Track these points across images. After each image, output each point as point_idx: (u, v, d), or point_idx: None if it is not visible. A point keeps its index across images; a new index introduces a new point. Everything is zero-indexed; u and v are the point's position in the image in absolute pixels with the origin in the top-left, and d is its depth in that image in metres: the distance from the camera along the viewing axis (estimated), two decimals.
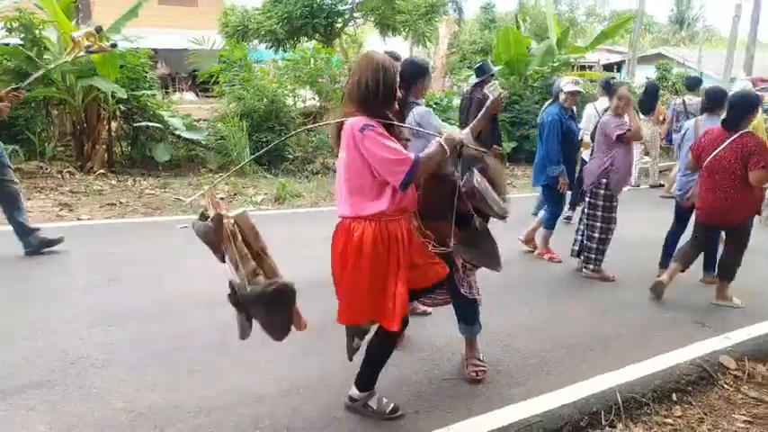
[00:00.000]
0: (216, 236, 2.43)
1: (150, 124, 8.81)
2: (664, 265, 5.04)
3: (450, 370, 3.35)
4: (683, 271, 4.70)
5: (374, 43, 22.54)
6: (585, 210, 5.16)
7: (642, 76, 17.38)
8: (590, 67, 18.69)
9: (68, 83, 8.52)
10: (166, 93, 20.19)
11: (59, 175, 8.20)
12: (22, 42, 8.28)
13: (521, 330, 3.96)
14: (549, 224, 5.67)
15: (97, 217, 6.54)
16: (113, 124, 9.21)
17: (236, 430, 2.73)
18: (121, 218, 6.58)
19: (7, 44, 8.47)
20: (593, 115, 7.01)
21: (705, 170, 4.49)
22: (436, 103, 11.39)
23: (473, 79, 7.34)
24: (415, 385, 3.17)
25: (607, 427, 2.91)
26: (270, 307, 2.51)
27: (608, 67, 22.89)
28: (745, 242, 4.54)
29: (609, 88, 6.91)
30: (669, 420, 3.02)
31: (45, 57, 8.52)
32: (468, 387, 3.17)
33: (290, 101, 10.31)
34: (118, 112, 9.16)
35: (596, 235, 5.04)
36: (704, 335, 3.96)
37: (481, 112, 3.29)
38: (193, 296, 4.26)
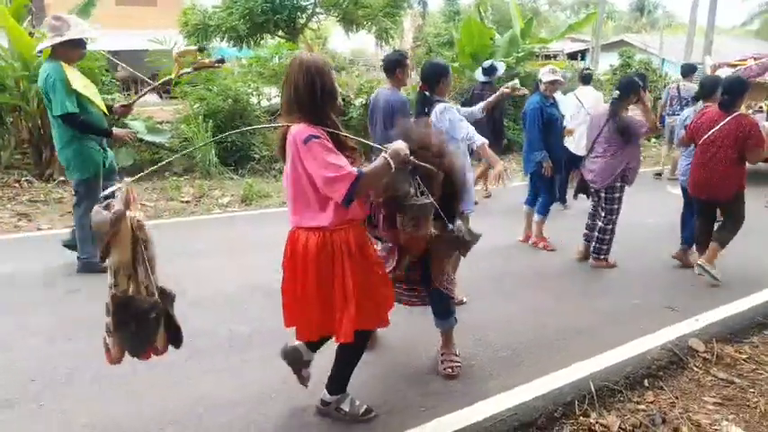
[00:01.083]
0: (109, 230, 2.13)
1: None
2: (686, 242, 5.31)
3: (423, 367, 3.31)
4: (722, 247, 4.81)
5: (339, 38, 22.46)
6: (602, 204, 5.16)
7: (606, 63, 17.61)
8: (554, 56, 18.85)
9: (22, 88, 8.25)
10: (128, 95, 19.77)
11: (17, 184, 7.94)
12: None
13: (493, 323, 3.94)
14: (543, 210, 5.74)
15: (57, 226, 6.33)
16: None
17: None
18: None
19: None
20: (576, 105, 7.12)
21: (700, 147, 4.75)
22: None
23: (480, 76, 7.59)
24: (387, 383, 3.13)
25: (581, 417, 2.91)
26: (155, 324, 2.29)
27: (572, 56, 23.16)
28: (739, 217, 4.77)
29: (587, 78, 7.35)
30: (642, 406, 3.04)
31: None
32: (441, 383, 3.15)
33: (254, 99, 10.15)
34: None
35: (610, 227, 5.13)
36: (673, 319, 4.00)
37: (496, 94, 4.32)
38: None
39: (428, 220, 2.68)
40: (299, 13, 13.32)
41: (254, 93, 10.25)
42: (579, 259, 5.38)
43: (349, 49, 33.20)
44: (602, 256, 5.21)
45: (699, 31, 20.16)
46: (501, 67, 6.18)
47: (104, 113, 4.74)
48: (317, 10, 13.41)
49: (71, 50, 4.43)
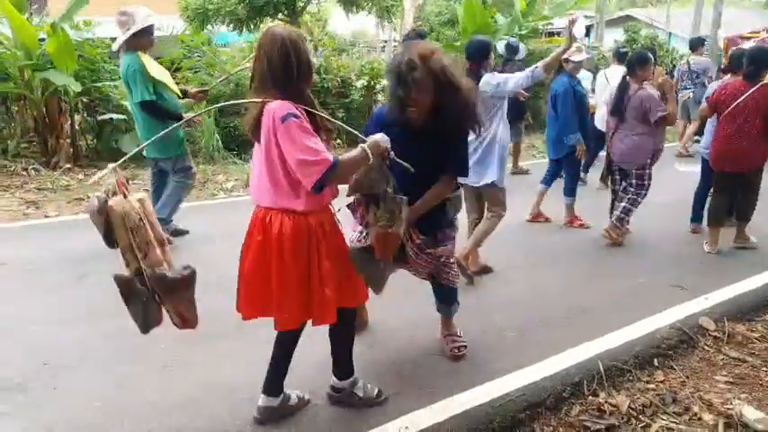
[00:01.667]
0: (97, 218, 2.15)
1: (114, 116, 8.54)
2: (695, 220, 5.43)
3: (429, 348, 3.31)
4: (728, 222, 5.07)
5: (339, 20, 22.20)
6: (633, 182, 5.14)
7: (611, 39, 17.38)
8: (558, 33, 18.58)
9: (26, 77, 8.22)
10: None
11: (25, 173, 7.93)
12: None
13: (500, 304, 3.93)
14: (572, 193, 5.75)
15: (65, 213, 6.35)
16: (77, 117, 8.93)
17: (212, 424, 2.66)
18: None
19: None
20: (604, 84, 7.02)
21: (724, 119, 4.75)
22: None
23: (502, 51, 7.44)
24: (395, 365, 3.13)
25: (590, 397, 2.91)
26: (184, 292, 2.38)
27: None
28: (758, 189, 4.90)
29: (622, 57, 7.14)
30: (651, 386, 3.02)
31: (0, 52, 8.22)
32: (448, 364, 3.14)
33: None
34: (80, 105, 8.87)
35: (640, 200, 5.17)
36: (683, 298, 3.98)
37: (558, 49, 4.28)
38: None
39: (402, 215, 2.53)
40: None
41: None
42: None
43: (349, 31, 32.90)
44: (621, 226, 5.20)
45: (707, 3, 19.82)
46: (522, 50, 6.09)
47: (178, 97, 5.03)
48: None
49: (141, 39, 4.71)
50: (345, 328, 2.69)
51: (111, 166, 2.18)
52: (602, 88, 7.04)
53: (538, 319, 3.71)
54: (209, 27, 13.00)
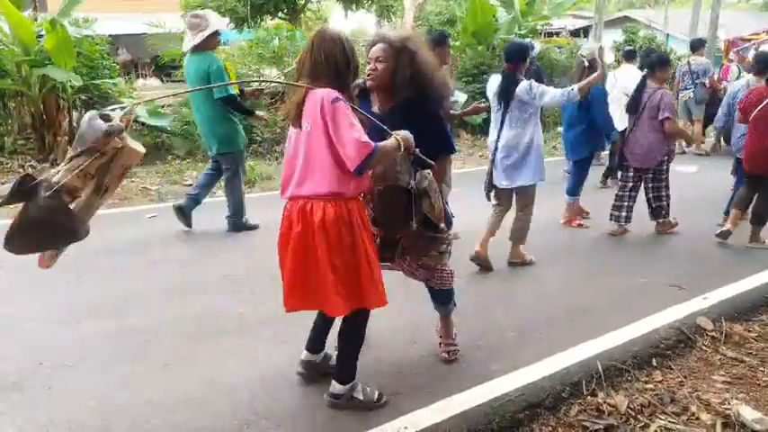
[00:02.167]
0: (93, 139, 2.03)
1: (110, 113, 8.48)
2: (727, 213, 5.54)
3: (428, 347, 3.30)
4: (743, 214, 5.22)
5: (339, 18, 22.22)
6: (651, 180, 5.35)
7: (609, 40, 17.39)
8: (557, 34, 18.61)
9: (23, 73, 8.20)
10: (130, 79, 19.70)
11: (21, 170, 7.90)
12: None
13: (499, 303, 3.94)
14: (576, 192, 5.77)
15: None
16: (75, 114, 8.90)
17: (213, 422, 2.65)
18: None
19: None
20: (612, 83, 7.12)
21: (751, 123, 4.94)
22: None
23: None
24: (393, 366, 3.12)
25: (588, 396, 2.91)
26: (50, 228, 2.11)
27: (574, 33, 22.83)
28: None
29: (630, 55, 7.39)
30: (650, 386, 3.03)
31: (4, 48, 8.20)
32: (447, 364, 3.14)
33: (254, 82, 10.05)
34: (78, 102, 8.85)
35: (664, 192, 5.37)
36: (681, 297, 3.98)
37: (592, 76, 4.34)
38: (163, 287, 4.16)
39: (437, 192, 2.69)
40: None
41: (255, 74, 10.15)
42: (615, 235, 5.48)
43: (349, 30, 32.94)
44: (663, 218, 5.43)
45: (705, 4, 19.85)
46: (537, 48, 6.16)
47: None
48: None
49: (212, 41, 5.02)
50: (358, 332, 2.73)
51: (130, 101, 2.20)
52: (610, 87, 7.06)
53: (538, 318, 3.71)
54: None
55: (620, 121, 6.46)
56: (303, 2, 13.18)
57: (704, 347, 3.44)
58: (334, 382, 2.75)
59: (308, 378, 2.95)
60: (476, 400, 2.77)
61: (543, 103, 4.26)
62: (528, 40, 6.75)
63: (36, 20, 8.10)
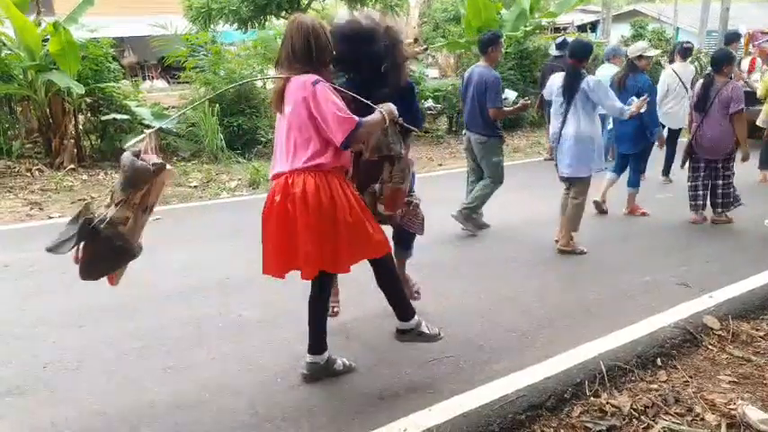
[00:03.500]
0: (143, 180, 2.35)
1: (117, 116, 8.55)
2: None
3: (430, 348, 3.26)
4: None
5: (344, 17, 22.17)
6: (721, 170, 5.51)
7: (618, 34, 17.25)
8: (564, 29, 18.48)
9: (30, 78, 8.25)
10: (136, 82, 19.79)
11: (29, 173, 7.97)
12: None
13: (501, 304, 3.91)
14: (637, 183, 5.97)
15: (68, 214, 6.32)
16: (81, 118, 8.96)
17: (214, 425, 2.65)
18: None
19: None
20: (667, 82, 7.15)
21: None
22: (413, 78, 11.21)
23: (553, 51, 8.49)
24: (393, 366, 3.10)
25: (591, 397, 2.87)
26: (112, 255, 2.49)
27: (582, 28, 22.68)
28: None
29: (687, 52, 7.45)
30: (654, 386, 2.99)
31: (4, 53, 8.25)
32: (448, 365, 3.12)
33: (259, 82, 10.07)
34: (84, 106, 8.90)
35: (731, 182, 5.55)
36: (687, 296, 3.93)
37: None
38: (166, 289, 4.16)
39: (410, 172, 3.10)
40: None
41: (262, 74, 10.15)
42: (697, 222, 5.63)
43: None
44: (726, 210, 5.59)
45: None
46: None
47: None
48: None
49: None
50: (386, 275, 2.90)
51: (147, 131, 2.45)
52: (668, 85, 7.11)
53: (541, 317, 3.68)
54: (212, 26, 12.98)
55: (685, 115, 6.75)
56: (306, 1, 13.13)
57: (710, 346, 3.40)
58: (399, 321, 2.96)
59: (312, 380, 2.95)
60: (477, 402, 2.75)
61: (603, 105, 4.63)
62: (562, 37, 6.83)
63: (40, 24, 8.10)
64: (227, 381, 3.00)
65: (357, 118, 2.54)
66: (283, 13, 13.50)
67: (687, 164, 5.69)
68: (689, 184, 5.70)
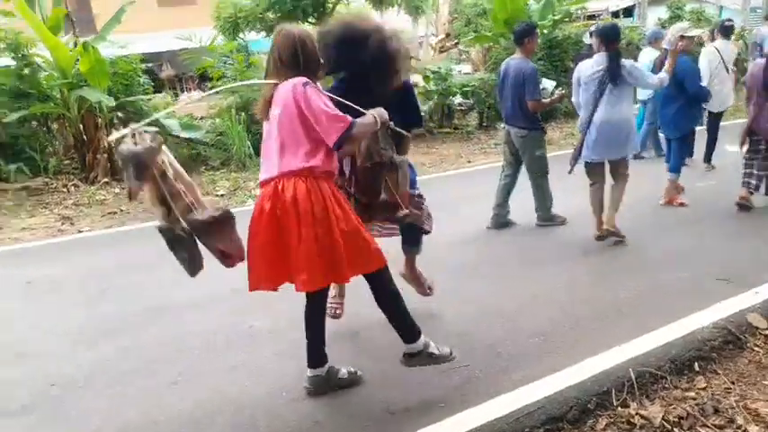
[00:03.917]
0: (150, 158, 2.26)
1: (147, 128, 8.64)
2: None
3: None
4: None
5: (376, 18, 22.12)
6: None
7: (655, 18, 16.59)
8: (598, 16, 17.85)
9: (63, 96, 8.44)
10: (174, 94, 20.20)
11: (65, 189, 8.15)
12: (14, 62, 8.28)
13: (525, 305, 3.69)
14: (678, 169, 5.69)
15: (98, 227, 6.45)
16: (113, 131, 9.11)
17: None
18: (121, 226, 6.46)
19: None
20: (712, 61, 6.86)
21: None
22: (434, 72, 11.00)
23: (587, 39, 8.05)
24: (404, 377, 2.91)
25: (619, 408, 2.64)
26: (223, 228, 2.45)
27: (616, 14, 21.89)
28: None
29: (728, 30, 7.15)
30: (691, 394, 2.73)
31: (41, 74, 8.48)
32: (463, 375, 2.92)
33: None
34: (116, 120, 9.06)
35: None
36: (729, 292, 3.61)
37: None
38: (180, 300, 4.08)
39: (407, 174, 3.03)
40: None
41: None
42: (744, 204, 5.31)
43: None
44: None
45: None
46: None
47: None
48: None
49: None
50: (385, 291, 2.74)
51: (133, 126, 2.33)
52: (715, 65, 6.78)
53: (567, 319, 3.44)
54: (241, 35, 13.08)
55: (727, 96, 6.55)
56: (331, 6, 13.10)
57: (756, 348, 3.10)
58: (405, 344, 2.77)
59: (316, 394, 2.82)
60: (490, 415, 2.56)
61: (641, 86, 4.63)
62: (597, 24, 6.61)
63: (76, 44, 8.27)
64: (233, 395, 2.90)
65: (350, 118, 2.50)
66: (309, 18, 13.52)
67: (745, 146, 5.37)
68: (745, 161, 5.37)
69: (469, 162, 8.94)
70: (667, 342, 3.08)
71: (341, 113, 2.49)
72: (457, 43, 17.88)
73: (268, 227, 2.50)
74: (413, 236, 3.53)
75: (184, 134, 9.06)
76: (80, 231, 6.31)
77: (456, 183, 7.56)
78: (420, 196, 3.44)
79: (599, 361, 2.93)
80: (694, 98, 5.45)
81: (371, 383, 2.88)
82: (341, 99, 2.65)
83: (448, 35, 19.67)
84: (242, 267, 2.60)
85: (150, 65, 19.74)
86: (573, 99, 4.93)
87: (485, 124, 11.83)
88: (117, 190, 8.06)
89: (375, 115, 2.63)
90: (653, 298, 3.67)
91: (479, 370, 2.97)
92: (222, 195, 7.51)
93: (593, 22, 13.77)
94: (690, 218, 5.27)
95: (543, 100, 5.01)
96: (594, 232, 4.77)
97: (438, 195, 6.74)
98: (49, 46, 8.10)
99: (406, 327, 2.77)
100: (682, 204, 5.63)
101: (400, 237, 3.54)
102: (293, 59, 2.55)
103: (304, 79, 2.50)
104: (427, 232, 3.54)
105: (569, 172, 4.83)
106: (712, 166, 6.87)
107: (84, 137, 8.60)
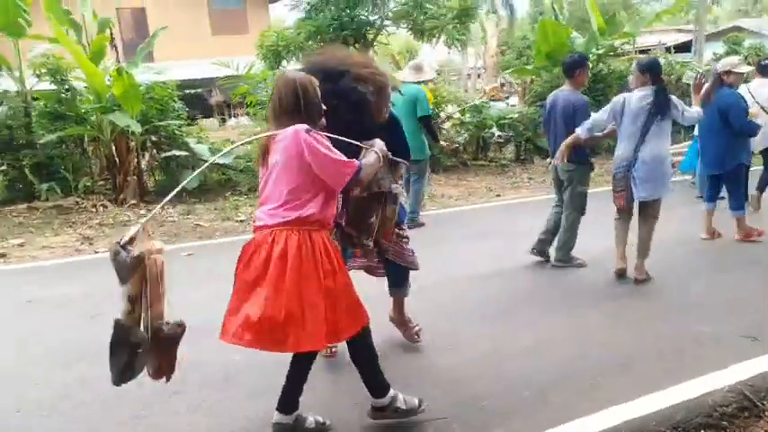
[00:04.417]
0: (127, 272, 2.23)
1: (178, 153, 8.80)
2: None
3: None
4: None
5: (427, 51, 22.29)
6: None
7: (710, 53, 16.00)
8: (649, 51, 17.34)
9: (98, 119, 8.68)
10: (222, 119, 20.70)
11: (94, 209, 8.29)
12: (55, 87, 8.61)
13: (524, 353, 3.41)
14: (742, 205, 5.53)
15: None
16: (146, 155, 9.32)
17: None
18: None
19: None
20: (750, 101, 6.48)
21: None
22: (475, 106, 10.84)
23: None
24: (375, 428, 2.70)
25: None
26: (175, 347, 2.38)
27: (669, 49, 21.25)
28: None
29: (765, 69, 6.80)
30: None
31: (79, 98, 8.77)
32: (435, 428, 2.69)
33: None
34: (149, 143, 9.25)
35: None
36: (753, 352, 3.24)
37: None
38: None
39: (398, 207, 3.06)
40: (367, 28, 13.20)
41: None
42: None
43: (436, 61, 33.37)
44: None
45: None
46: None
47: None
48: (386, 23, 13.24)
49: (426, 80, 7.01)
50: (363, 348, 2.67)
51: (141, 221, 2.33)
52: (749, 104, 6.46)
53: (563, 373, 3.14)
54: (284, 63, 13.32)
55: (764, 137, 6.12)
56: (373, 36, 13.21)
57: None
58: (372, 398, 2.70)
59: None
60: None
61: (685, 120, 4.45)
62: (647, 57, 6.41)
63: (119, 72, 8.52)
64: None
65: (357, 162, 2.49)
66: (351, 47, 13.64)
67: None
68: None
69: (498, 196, 8.67)
70: (672, 404, 2.76)
71: (346, 159, 2.46)
72: (508, 97, 17.55)
73: (256, 281, 2.45)
74: (400, 277, 3.43)
75: (211, 158, 9.12)
76: (96, 252, 6.33)
77: (478, 217, 7.31)
78: (406, 237, 3.39)
79: (591, 423, 2.64)
80: (740, 133, 5.21)
81: (341, 430, 2.66)
82: (339, 137, 2.59)
83: (503, 86, 19.18)
84: None
85: (200, 90, 20.37)
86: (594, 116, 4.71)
87: (522, 158, 11.56)
88: (143, 212, 8.14)
89: (377, 151, 2.65)
90: (665, 353, 3.33)
91: (456, 424, 2.71)
92: (242, 221, 7.46)
93: (635, 56, 13.36)
94: (727, 263, 4.90)
95: (596, 134, 4.77)
96: (615, 266, 4.59)
97: (453, 229, 6.61)
98: (85, 71, 8.36)
99: (376, 383, 2.70)
100: (760, 235, 5.47)
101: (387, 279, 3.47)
102: (294, 105, 2.49)
103: (305, 126, 2.44)
104: (414, 268, 3.43)
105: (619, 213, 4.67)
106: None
107: (117, 159, 8.78)
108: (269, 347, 2.45)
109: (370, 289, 3.14)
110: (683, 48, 20.75)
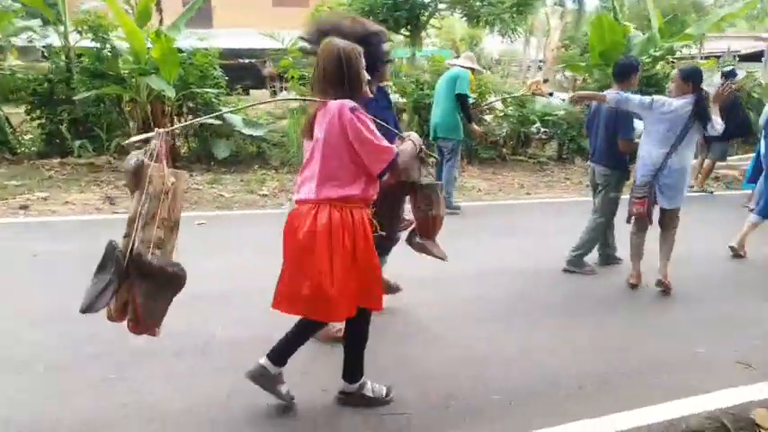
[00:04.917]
0: (132, 179, 2.19)
1: (211, 121, 8.90)
2: None
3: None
4: None
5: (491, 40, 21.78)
6: None
7: None
8: (717, 57, 16.42)
9: (136, 80, 8.83)
10: (273, 91, 20.83)
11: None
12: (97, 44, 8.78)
13: (509, 358, 3.31)
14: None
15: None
16: (182, 120, 9.45)
17: None
18: None
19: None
20: None
21: None
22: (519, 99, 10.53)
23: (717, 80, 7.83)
24: (338, 414, 2.68)
25: None
26: (160, 289, 2.25)
27: (744, 57, 20.08)
28: None
29: None
30: None
31: (121, 58, 8.94)
32: (396, 423, 2.63)
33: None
34: (185, 109, 9.37)
35: None
36: (743, 379, 3.04)
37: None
38: None
39: (439, 199, 3.07)
40: (421, 10, 13.03)
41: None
42: None
43: (497, 52, 32.74)
44: None
45: None
46: (741, 74, 5.82)
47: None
48: (440, 6, 13.01)
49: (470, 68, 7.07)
50: (360, 333, 2.72)
51: (159, 130, 2.24)
52: None
53: (536, 384, 3.01)
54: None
55: None
56: (426, 18, 13.04)
57: None
58: (344, 381, 2.74)
59: (252, 381, 2.65)
60: None
61: (711, 132, 4.28)
62: (731, 67, 6.13)
63: (158, 34, 8.64)
64: (153, 403, 2.74)
65: (395, 148, 2.51)
66: (402, 30, 13.51)
67: None
68: None
69: (528, 194, 8.42)
70: (644, 425, 2.60)
71: (387, 144, 2.47)
72: (551, 93, 17.06)
73: (303, 249, 2.46)
74: (382, 248, 3.28)
75: (247, 131, 9.20)
76: (115, 213, 6.43)
77: (501, 214, 7.12)
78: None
79: None
80: None
81: (303, 413, 2.65)
82: (383, 123, 2.64)
83: (546, 80, 18.66)
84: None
85: (253, 60, 20.50)
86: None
87: (564, 157, 11.20)
88: (172, 178, 8.26)
89: (414, 140, 2.72)
90: (652, 371, 3.15)
91: (417, 421, 2.64)
92: (265, 195, 7.49)
93: (696, 61, 12.71)
94: (745, 284, 4.63)
95: (636, 140, 4.61)
96: (629, 279, 4.53)
97: (466, 224, 6.45)
98: (126, 31, 8.47)
99: (353, 367, 2.74)
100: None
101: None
102: (337, 76, 2.44)
103: (351, 103, 2.40)
104: (442, 258, 3.29)
105: (647, 222, 4.52)
106: None
107: (152, 121, 8.94)
108: (313, 316, 2.54)
109: None
110: (753, 57, 19.62)
